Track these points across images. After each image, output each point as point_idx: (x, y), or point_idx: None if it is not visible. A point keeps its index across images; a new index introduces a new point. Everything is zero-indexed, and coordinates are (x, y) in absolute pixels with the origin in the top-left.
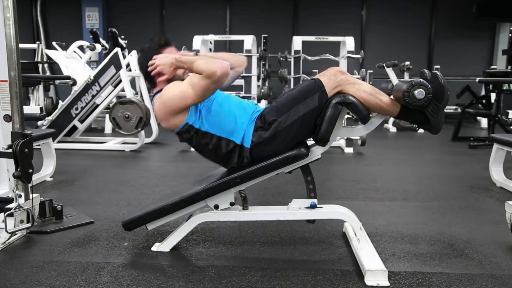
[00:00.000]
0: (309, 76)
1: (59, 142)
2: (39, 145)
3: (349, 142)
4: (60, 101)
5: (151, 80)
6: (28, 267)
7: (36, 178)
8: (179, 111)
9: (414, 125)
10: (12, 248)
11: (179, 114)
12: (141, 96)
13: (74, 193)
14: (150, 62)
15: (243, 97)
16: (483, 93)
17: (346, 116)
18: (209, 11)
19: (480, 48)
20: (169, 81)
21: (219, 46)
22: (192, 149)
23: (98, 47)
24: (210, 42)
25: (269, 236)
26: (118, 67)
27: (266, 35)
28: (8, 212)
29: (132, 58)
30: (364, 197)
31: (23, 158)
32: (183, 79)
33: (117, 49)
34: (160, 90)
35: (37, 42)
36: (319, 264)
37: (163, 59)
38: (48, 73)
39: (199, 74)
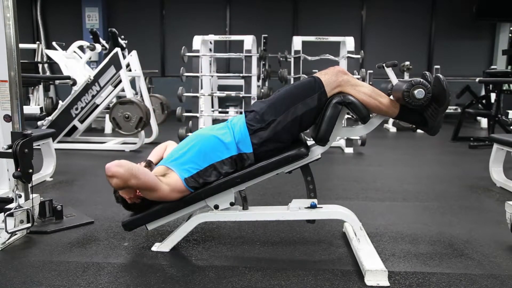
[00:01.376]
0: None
1: (59, 142)
2: (39, 145)
3: (349, 142)
4: (60, 101)
5: (142, 204)
6: (28, 267)
7: (36, 178)
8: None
9: (413, 126)
10: (12, 248)
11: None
12: (141, 96)
13: (74, 193)
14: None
15: (242, 97)
16: (483, 93)
17: (346, 116)
18: (209, 11)
19: (480, 48)
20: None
21: (219, 46)
22: None
23: (98, 47)
24: (210, 42)
25: (269, 236)
26: (118, 67)
27: (266, 35)
28: (8, 212)
29: (132, 58)
30: (364, 197)
31: (23, 158)
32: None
33: (117, 49)
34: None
35: (37, 42)
36: (319, 264)
37: (123, 195)
38: (48, 73)
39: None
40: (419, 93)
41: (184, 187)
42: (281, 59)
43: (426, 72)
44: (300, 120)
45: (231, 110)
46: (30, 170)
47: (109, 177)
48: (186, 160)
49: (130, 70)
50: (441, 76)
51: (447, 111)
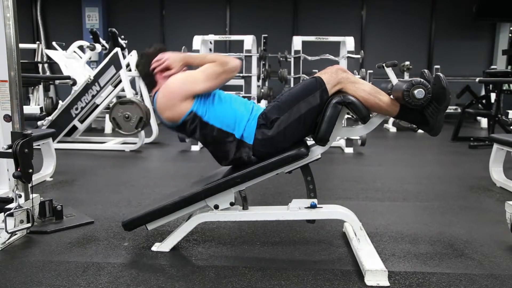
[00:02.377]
0: (309, 76)
1: (59, 142)
2: (39, 145)
3: (349, 142)
4: (60, 101)
5: (152, 80)
6: (28, 267)
7: (36, 178)
8: (186, 97)
9: (413, 126)
10: (12, 248)
11: (185, 101)
12: (141, 96)
13: (74, 193)
14: (157, 58)
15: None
16: (483, 93)
17: (346, 116)
18: (209, 11)
19: (480, 48)
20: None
21: (219, 46)
22: (192, 148)
23: (98, 47)
24: (210, 42)
25: (269, 236)
26: (118, 67)
27: (266, 35)
28: (8, 212)
29: (132, 58)
30: (364, 197)
31: (23, 158)
32: None
33: (117, 49)
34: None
35: (37, 42)
36: (319, 264)
37: (173, 55)
38: (48, 73)
39: (212, 63)
40: (419, 93)
41: (188, 107)
42: (281, 59)
43: (424, 70)
44: (304, 119)
45: None
46: (30, 170)
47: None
48: (212, 105)
49: (130, 70)
50: (441, 74)
51: (447, 111)
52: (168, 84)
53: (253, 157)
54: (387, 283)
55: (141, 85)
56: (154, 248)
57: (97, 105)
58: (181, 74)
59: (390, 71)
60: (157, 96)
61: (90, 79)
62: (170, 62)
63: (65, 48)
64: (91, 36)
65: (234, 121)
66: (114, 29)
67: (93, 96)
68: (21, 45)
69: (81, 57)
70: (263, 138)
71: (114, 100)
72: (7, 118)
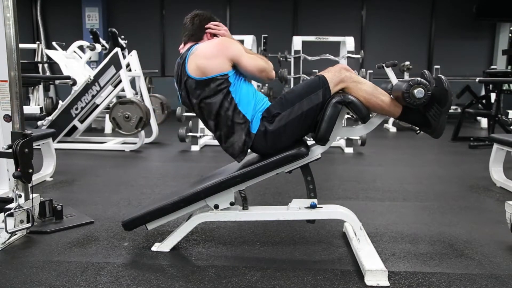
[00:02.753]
0: (309, 76)
1: (59, 142)
2: (39, 145)
3: (349, 142)
4: (60, 101)
5: (200, 34)
6: (28, 267)
7: (36, 178)
8: (232, 59)
9: (416, 128)
10: (12, 248)
11: (228, 61)
12: (141, 96)
13: (74, 193)
14: (215, 22)
15: None
16: (483, 93)
17: (346, 116)
18: (209, 11)
19: (480, 48)
20: None
21: None
22: (192, 148)
23: (98, 47)
24: None
25: (269, 236)
26: (118, 67)
27: (266, 35)
28: (8, 212)
29: (132, 58)
30: (364, 197)
31: (23, 158)
32: None
33: (117, 49)
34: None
35: (37, 42)
36: (319, 264)
37: (227, 32)
38: (48, 73)
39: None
40: (418, 92)
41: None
42: (281, 59)
43: (425, 71)
44: (305, 116)
45: None
46: (30, 170)
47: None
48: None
49: (130, 70)
50: (442, 76)
51: None
52: (221, 39)
53: (250, 148)
54: (387, 283)
55: (141, 85)
56: (154, 248)
57: (97, 105)
58: (232, 41)
59: (390, 71)
60: (199, 46)
61: (90, 79)
62: (227, 34)
63: (65, 48)
64: (91, 36)
65: (252, 107)
66: (114, 29)
67: (93, 96)
68: (21, 45)
69: (81, 57)
70: (263, 129)
71: (114, 100)
72: (7, 118)
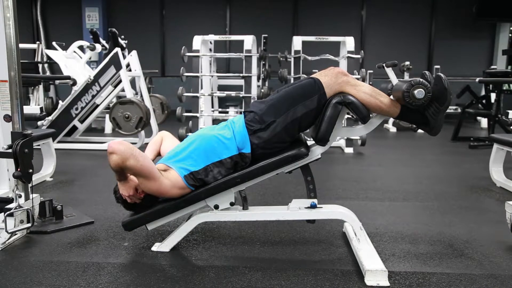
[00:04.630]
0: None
1: (59, 142)
2: (39, 145)
3: (349, 142)
4: (60, 101)
5: (143, 206)
6: (28, 267)
7: (36, 178)
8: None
9: (413, 126)
10: (12, 248)
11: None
12: (141, 96)
13: (74, 193)
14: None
15: (242, 97)
16: (483, 93)
17: (346, 116)
18: (209, 11)
19: (480, 48)
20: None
21: (219, 46)
22: None
23: (98, 47)
24: (210, 42)
25: (269, 236)
26: (118, 67)
27: (266, 35)
28: (8, 212)
29: (132, 58)
30: (364, 197)
31: (23, 158)
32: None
33: (117, 49)
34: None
35: (37, 42)
36: (319, 264)
37: (123, 191)
38: (48, 73)
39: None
40: (419, 93)
41: (184, 184)
42: (281, 59)
43: (426, 72)
44: (300, 121)
45: (231, 110)
46: (30, 170)
47: (109, 153)
48: (185, 156)
49: (130, 70)
50: (442, 75)
51: (447, 111)
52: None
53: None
54: (387, 283)
55: (141, 85)
56: (154, 248)
57: (97, 105)
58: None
59: (390, 71)
60: None
61: (90, 79)
62: (130, 199)
63: (65, 48)
64: (91, 36)
65: (224, 147)
66: (114, 29)
67: (93, 96)
68: (21, 45)
69: (81, 57)
70: (259, 142)
71: (114, 100)
72: (7, 118)
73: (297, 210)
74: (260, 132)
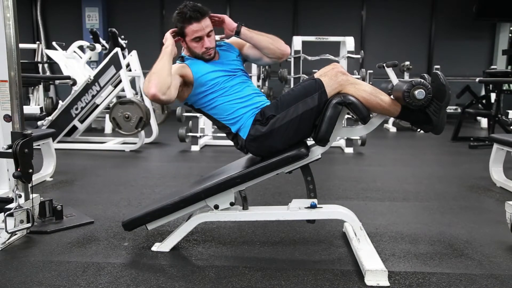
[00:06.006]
0: (309, 76)
1: (59, 142)
2: (39, 145)
3: (349, 142)
4: (60, 101)
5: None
6: (28, 267)
7: (36, 178)
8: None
9: (418, 129)
10: (12, 248)
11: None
12: (141, 96)
13: (74, 193)
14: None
15: None
16: (483, 93)
17: (346, 116)
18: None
19: (480, 48)
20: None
21: None
22: (192, 148)
23: (98, 47)
24: None
25: (269, 236)
26: (118, 67)
27: None
28: (8, 212)
29: (132, 58)
30: (364, 197)
31: (23, 158)
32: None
33: (117, 49)
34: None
35: (37, 42)
36: (319, 264)
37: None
38: (48, 73)
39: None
40: (419, 93)
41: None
42: None
43: (424, 74)
44: (300, 120)
45: None
46: (30, 170)
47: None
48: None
49: (130, 70)
50: (438, 72)
51: (447, 111)
52: None
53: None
54: (387, 283)
55: (141, 85)
56: (154, 248)
57: (97, 105)
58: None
59: (390, 71)
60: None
61: (90, 79)
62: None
63: (65, 48)
64: (91, 36)
65: (233, 117)
66: (114, 29)
67: (93, 96)
68: (21, 45)
69: (81, 57)
70: (255, 134)
71: (114, 100)
72: (7, 118)
73: (297, 210)
74: (259, 125)
